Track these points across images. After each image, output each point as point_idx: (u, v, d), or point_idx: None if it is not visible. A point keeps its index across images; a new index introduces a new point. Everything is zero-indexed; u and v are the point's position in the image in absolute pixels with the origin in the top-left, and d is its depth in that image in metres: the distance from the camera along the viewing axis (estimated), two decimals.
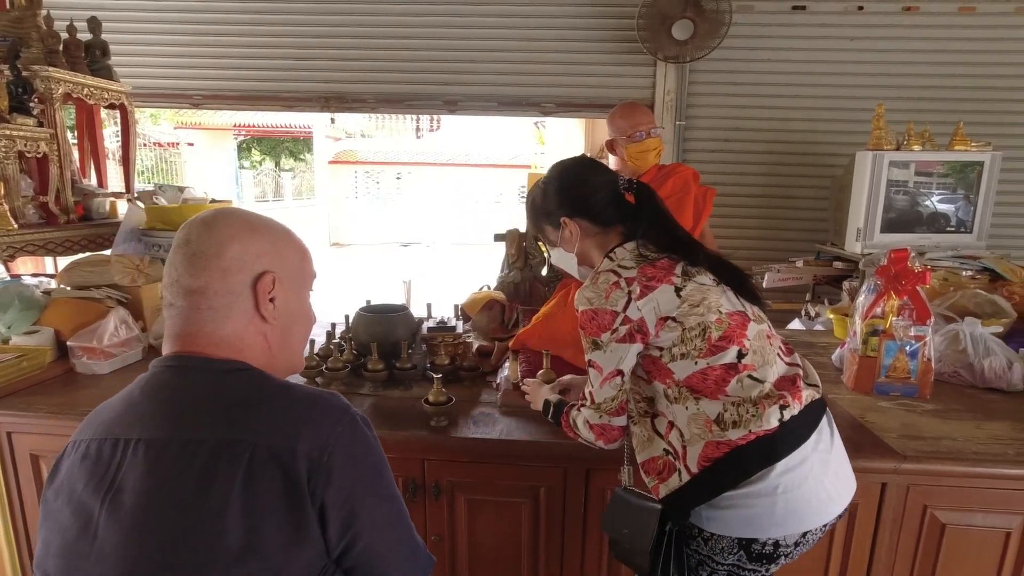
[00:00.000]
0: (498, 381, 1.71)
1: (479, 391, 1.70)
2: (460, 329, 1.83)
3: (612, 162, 2.38)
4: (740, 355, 1.05)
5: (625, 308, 1.05)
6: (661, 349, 1.07)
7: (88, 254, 2.18)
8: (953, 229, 2.43)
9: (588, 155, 1.26)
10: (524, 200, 2.36)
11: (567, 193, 1.21)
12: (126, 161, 2.43)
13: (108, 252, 2.25)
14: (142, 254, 2.20)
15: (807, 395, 1.08)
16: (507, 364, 1.76)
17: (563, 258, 1.27)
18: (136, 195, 2.46)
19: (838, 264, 2.53)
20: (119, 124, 2.48)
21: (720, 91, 2.92)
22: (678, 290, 1.05)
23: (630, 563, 1.17)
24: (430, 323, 1.87)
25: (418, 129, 15.58)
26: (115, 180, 2.66)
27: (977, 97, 2.80)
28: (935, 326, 1.76)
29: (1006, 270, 2.19)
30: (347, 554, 0.72)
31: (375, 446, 0.77)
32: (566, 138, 4.68)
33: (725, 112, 2.94)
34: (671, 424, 1.09)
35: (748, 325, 1.08)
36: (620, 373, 1.09)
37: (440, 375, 1.52)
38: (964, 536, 1.40)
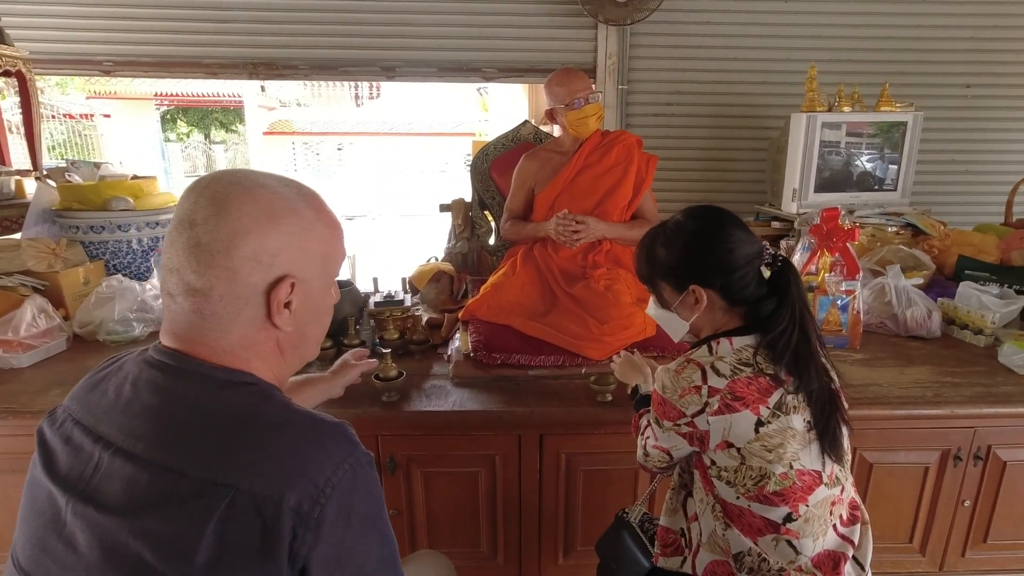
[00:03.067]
0: (449, 353, 1.70)
1: (430, 364, 1.69)
2: (408, 302, 1.80)
3: (556, 131, 2.36)
4: (789, 518, 0.93)
5: (695, 415, 0.94)
6: (714, 463, 0.97)
7: None
8: (880, 188, 2.55)
9: (729, 212, 1.05)
10: (469, 169, 2.32)
11: (709, 259, 1.01)
12: (30, 135, 2.22)
13: (18, 236, 2.07)
14: (57, 236, 2.04)
15: None
16: (458, 335, 1.74)
17: (662, 316, 1.11)
18: (45, 172, 2.26)
19: (776, 224, 2.62)
20: (19, 94, 2.26)
21: (662, 54, 2.91)
22: (759, 424, 0.92)
23: None
24: (377, 297, 1.83)
25: (357, 97, 14.96)
26: (18, 156, 2.43)
27: (902, 59, 2.92)
28: (863, 280, 1.86)
29: (927, 225, 2.33)
30: None
31: (375, 488, 0.66)
32: (510, 104, 4.61)
33: (667, 76, 2.95)
34: (696, 516, 1.04)
35: (816, 490, 0.94)
36: (670, 454, 1.03)
37: (389, 350, 1.49)
38: (889, 473, 1.52)
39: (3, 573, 0.67)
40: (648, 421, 1.09)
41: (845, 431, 0.99)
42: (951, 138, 3.03)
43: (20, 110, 2.28)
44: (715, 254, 1.01)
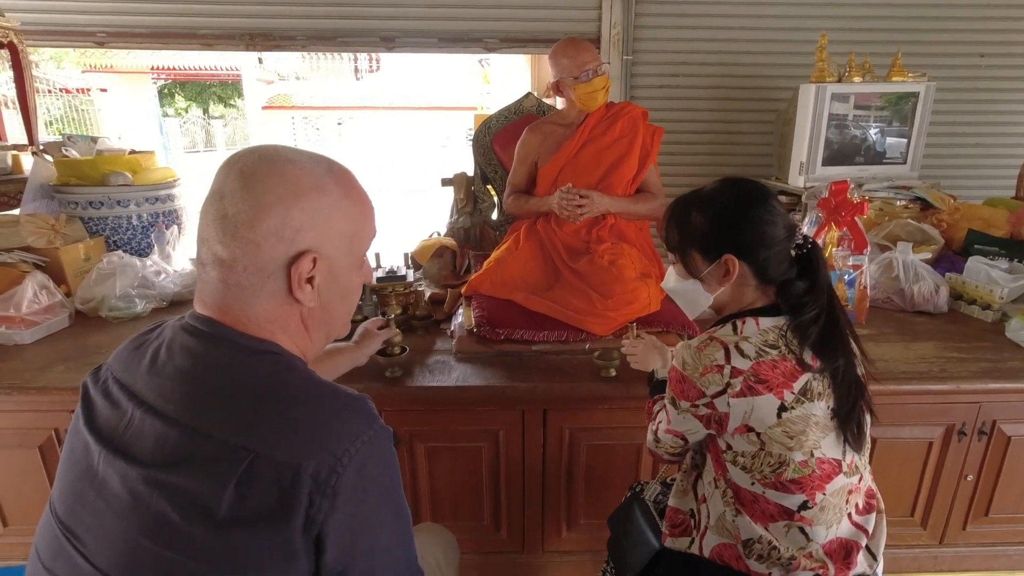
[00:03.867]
0: (452, 328, 1.69)
1: (433, 340, 1.68)
2: (411, 278, 1.78)
3: (559, 103, 2.31)
4: (804, 506, 0.92)
5: (715, 396, 0.91)
6: (730, 447, 0.95)
7: None
8: (889, 160, 2.51)
9: (765, 187, 1.00)
10: (471, 143, 2.28)
11: (747, 229, 0.97)
12: (24, 108, 2.18)
13: (16, 212, 2.05)
14: (56, 212, 2.02)
15: (855, 573, 0.95)
16: (460, 311, 1.73)
17: (683, 289, 1.06)
18: (42, 147, 2.23)
19: (782, 198, 2.59)
20: (12, 70, 2.21)
21: (667, 24, 2.83)
22: (783, 409, 0.89)
23: (618, 566, 1.18)
24: (379, 273, 1.82)
25: (357, 70, 14.73)
26: (14, 131, 2.39)
27: (914, 27, 2.84)
28: (870, 255, 1.84)
29: (936, 199, 2.30)
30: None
31: (392, 462, 0.68)
32: (512, 76, 4.52)
33: (672, 46, 2.87)
34: (705, 499, 1.02)
35: (835, 478, 0.93)
36: (684, 439, 1.01)
37: (392, 316, 1.48)
38: (891, 448, 1.52)
39: (40, 520, 0.69)
40: (661, 406, 1.06)
41: (869, 420, 0.96)
42: (963, 109, 2.96)
43: (14, 85, 2.23)
44: (755, 225, 0.96)
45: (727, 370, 0.90)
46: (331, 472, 0.60)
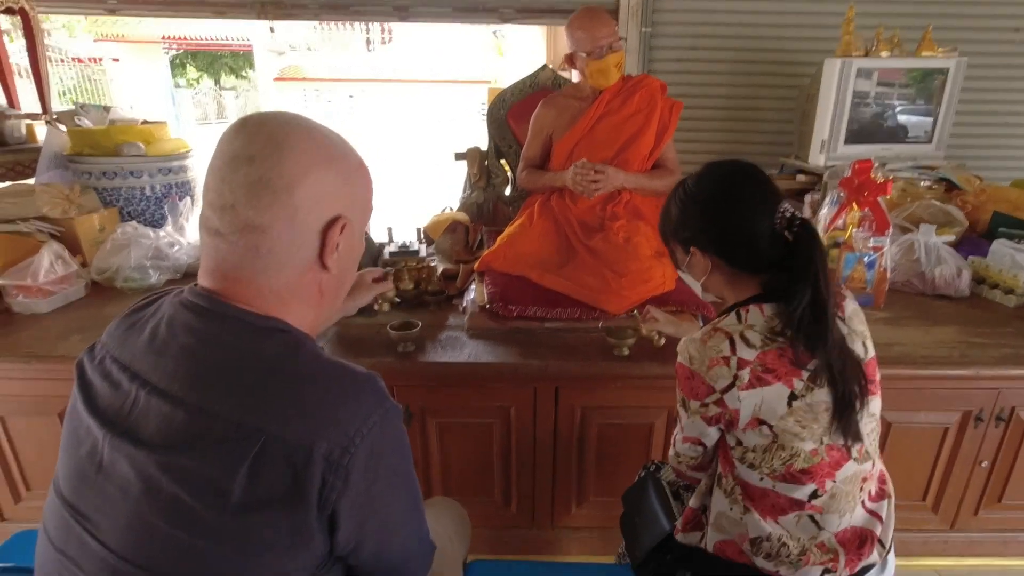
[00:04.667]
0: (464, 304, 1.69)
1: (445, 315, 1.68)
2: (424, 253, 1.77)
3: (574, 76, 2.26)
4: (814, 495, 0.90)
5: (725, 391, 0.89)
6: (739, 443, 0.93)
7: (8, 184, 1.98)
8: (913, 139, 2.44)
9: (751, 167, 0.97)
10: (485, 116, 2.24)
11: (708, 223, 0.96)
12: (37, 76, 2.17)
13: (31, 181, 2.06)
14: (70, 182, 2.02)
15: (865, 563, 0.93)
16: (473, 287, 1.72)
17: (685, 276, 1.09)
18: (55, 116, 2.22)
19: (801, 177, 2.53)
20: (24, 37, 2.19)
21: None
22: (793, 398, 0.87)
23: (628, 543, 1.18)
24: (392, 248, 1.81)
25: (369, 42, 14.53)
26: (28, 100, 2.39)
27: (945, 0, 2.73)
28: (892, 236, 1.79)
29: (962, 179, 2.23)
30: (354, 553, 0.67)
31: (402, 440, 0.67)
32: (527, 49, 4.43)
33: (692, 18, 2.79)
34: (711, 494, 1.01)
35: (844, 465, 0.91)
36: (702, 444, 0.98)
37: (391, 268, 1.42)
38: (906, 433, 1.51)
39: (46, 502, 0.69)
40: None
41: (866, 410, 0.92)
42: (993, 87, 2.86)
43: (28, 54, 2.22)
44: (712, 219, 0.96)
45: (733, 361, 0.88)
46: (344, 452, 0.60)
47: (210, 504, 0.58)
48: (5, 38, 2.28)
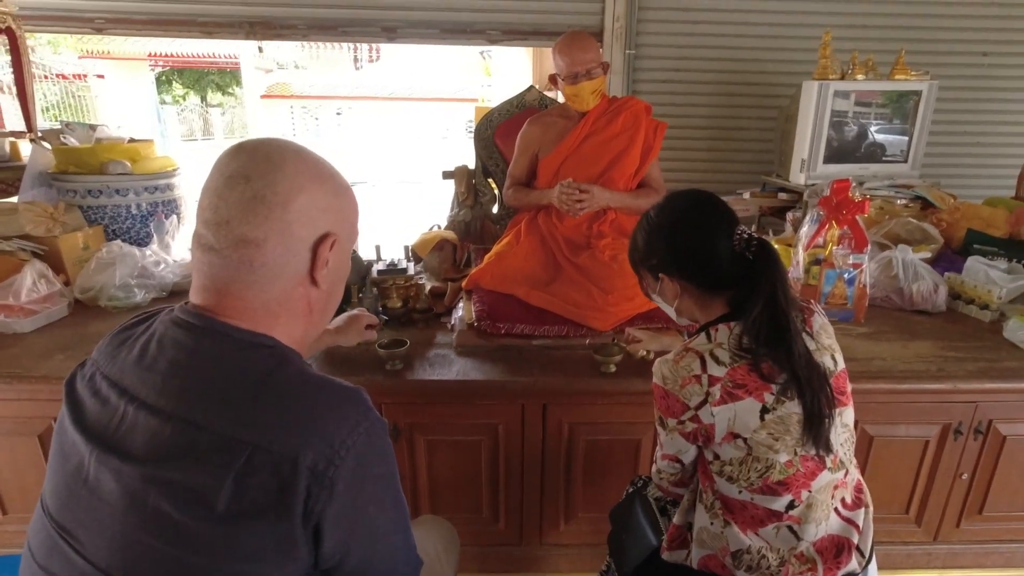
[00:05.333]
0: (452, 322, 1.69)
1: (433, 333, 1.68)
2: (412, 271, 1.78)
3: (559, 96, 2.30)
4: (791, 505, 0.92)
5: (698, 407, 0.92)
6: (717, 457, 0.95)
7: None
8: (889, 159, 2.51)
9: (707, 195, 1.04)
10: (472, 135, 2.27)
11: (673, 250, 1.01)
12: (22, 95, 2.16)
13: (15, 199, 2.04)
14: (54, 200, 2.01)
15: (844, 572, 0.95)
16: (461, 304, 1.73)
17: (659, 299, 1.12)
18: (40, 134, 2.21)
19: (783, 195, 2.59)
20: (10, 55, 2.19)
21: (670, 18, 2.82)
22: (764, 411, 0.90)
23: (616, 560, 1.19)
24: (380, 265, 1.81)
25: (356, 60, 14.63)
26: (12, 117, 2.38)
27: (916, 25, 2.83)
28: (870, 253, 1.84)
29: (936, 198, 2.30)
30: (339, 566, 0.67)
31: (388, 452, 0.68)
32: (514, 69, 4.50)
33: (675, 40, 2.86)
34: (694, 510, 1.02)
35: (819, 475, 0.93)
36: (680, 461, 1.01)
37: (385, 319, 1.48)
38: (888, 446, 1.53)
39: (31, 521, 0.69)
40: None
41: (836, 421, 0.94)
42: (964, 108, 2.96)
43: (12, 70, 2.21)
44: (685, 246, 1.00)
45: (704, 379, 0.91)
46: (329, 464, 0.61)
47: (195, 516, 0.59)
48: None
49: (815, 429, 0.91)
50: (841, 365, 1.00)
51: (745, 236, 0.96)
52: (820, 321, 1.01)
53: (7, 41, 2.11)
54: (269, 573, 0.61)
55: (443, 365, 1.49)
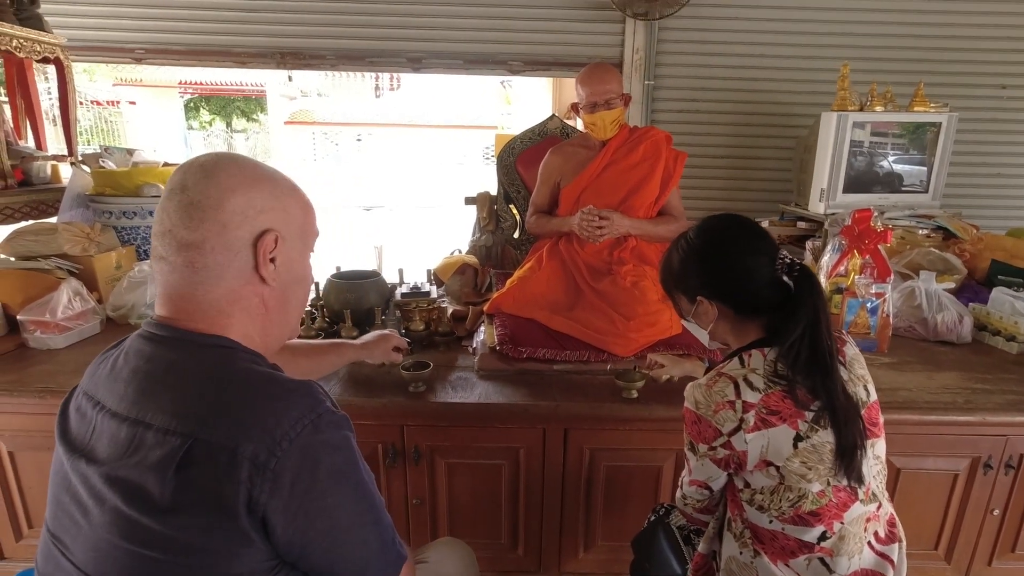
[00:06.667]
0: (474, 346, 1.71)
1: (455, 356, 1.70)
2: (434, 294, 1.81)
3: (579, 124, 2.35)
4: (823, 536, 0.91)
5: (731, 434, 0.91)
6: (748, 485, 0.95)
7: (31, 222, 2.04)
8: (910, 189, 2.51)
9: (746, 219, 1.04)
10: (489, 162, 2.32)
11: (713, 272, 1.01)
12: (66, 121, 2.26)
13: (53, 220, 2.12)
14: (91, 221, 2.08)
15: None
16: (483, 328, 1.75)
17: (690, 325, 1.13)
18: (80, 158, 2.31)
19: (801, 224, 2.59)
20: (49, 81, 2.29)
21: (689, 50, 2.88)
22: (798, 439, 0.90)
23: None
24: (403, 289, 1.84)
25: (377, 88, 15.01)
26: (53, 142, 2.48)
27: (934, 58, 2.86)
28: (893, 283, 1.83)
29: (958, 228, 2.29)
30: (303, 559, 0.67)
31: (343, 445, 0.68)
32: (533, 98, 4.59)
33: (693, 72, 2.92)
34: (719, 539, 1.02)
35: (852, 506, 0.92)
36: (709, 488, 1.00)
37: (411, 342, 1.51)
38: (915, 479, 1.50)
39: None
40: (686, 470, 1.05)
41: (867, 453, 0.93)
42: (984, 139, 2.96)
43: (50, 96, 2.32)
44: (722, 268, 1.01)
45: (738, 405, 0.90)
46: (269, 455, 0.62)
47: (143, 510, 0.61)
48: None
49: (847, 459, 0.90)
50: (873, 396, 0.99)
51: (788, 261, 0.97)
52: (852, 351, 1.01)
53: (56, 71, 2.21)
54: (225, 565, 0.63)
55: (465, 388, 1.50)
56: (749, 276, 0.98)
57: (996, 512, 1.52)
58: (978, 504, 1.52)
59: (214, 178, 0.71)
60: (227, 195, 0.71)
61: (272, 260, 0.74)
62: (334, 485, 0.67)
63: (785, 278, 0.96)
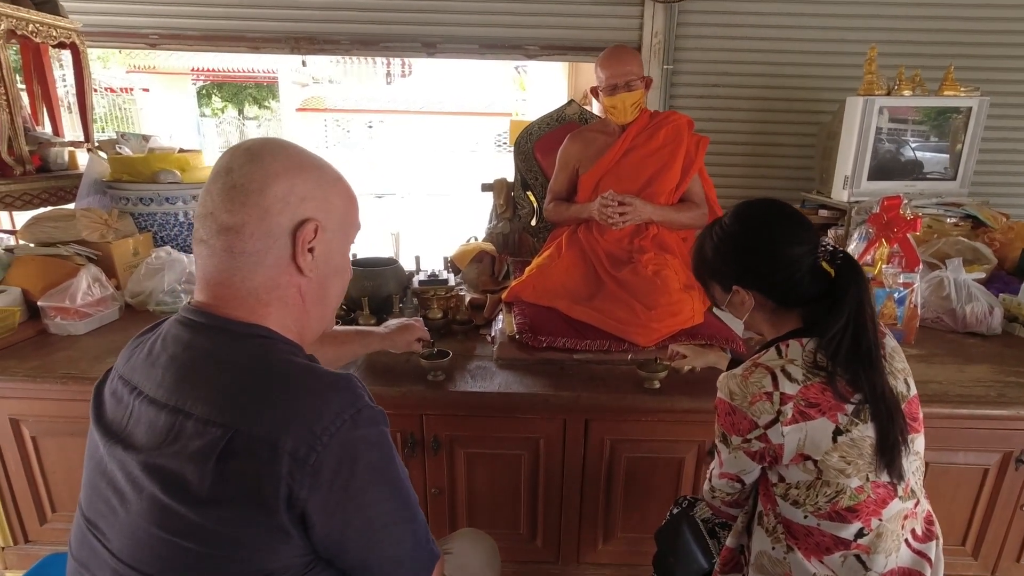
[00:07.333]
0: (493, 334, 1.69)
1: (474, 345, 1.68)
2: (452, 282, 1.79)
3: (594, 108, 2.31)
4: (860, 533, 0.89)
5: (768, 426, 0.87)
6: (782, 480, 0.92)
7: (50, 208, 2.04)
8: (937, 176, 2.44)
9: (785, 204, 1.00)
10: (502, 148, 2.29)
11: (750, 260, 0.97)
12: (82, 107, 2.25)
13: (71, 206, 2.12)
14: (109, 207, 2.08)
15: None
16: (501, 317, 1.73)
17: (723, 314, 1.09)
18: (97, 144, 2.30)
19: (824, 212, 2.54)
20: (65, 68, 2.29)
21: (709, 33, 2.81)
22: (838, 433, 0.87)
23: None
24: (421, 276, 1.83)
25: (389, 75, 14.93)
26: (69, 128, 2.48)
27: (963, 40, 2.77)
28: (920, 273, 1.79)
29: (988, 217, 2.23)
30: (339, 556, 0.66)
31: (381, 441, 0.67)
32: (548, 83, 4.53)
33: (714, 56, 2.85)
34: (751, 535, 0.99)
35: (890, 503, 0.89)
36: (741, 481, 0.97)
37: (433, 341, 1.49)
38: (944, 474, 1.47)
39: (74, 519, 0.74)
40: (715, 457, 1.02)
41: (910, 448, 0.91)
42: (1015, 125, 2.88)
43: (65, 83, 2.31)
44: (759, 255, 0.96)
45: (776, 397, 0.87)
46: (310, 449, 0.60)
47: (181, 500, 0.60)
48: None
49: (889, 455, 0.87)
50: (913, 390, 0.96)
51: (830, 249, 0.93)
52: (892, 344, 0.98)
53: (72, 57, 2.21)
54: (262, 559, 0.62)
55: (484, 377, 1.48)
56: (790, 266, 0.93)
57: None
58: (1008, 500, 1.48)
59: (259, 162, 0.70)
60: (271, 180, 0.69)
61: (311, 250, 0.72)
62: (371, 482, 0.66)
63: (826, 266, 0.92)
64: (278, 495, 0.60)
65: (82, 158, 2.28)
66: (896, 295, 1.71)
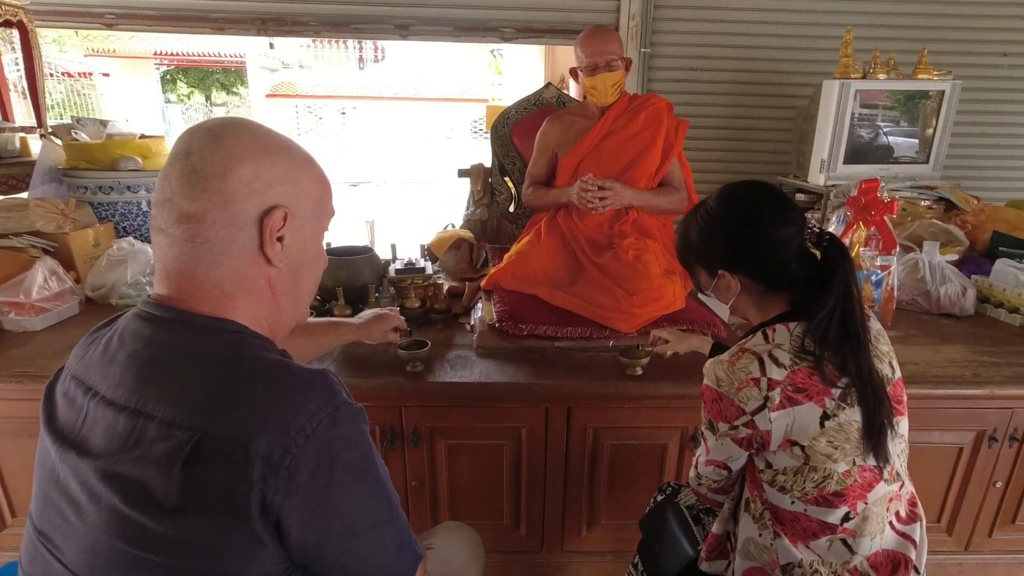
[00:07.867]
0: (472, 323, 1.66)
1: (453, 334, 1.64)
2: (429, 270, 1.75)
3: (573, 90, 2.27)
4: (846, 518, 0.88)
5: (755, 413, 0.86)
6: (769, 466, 0.91)
7: (1, 198, 1.93)
8: (908, 159, 2.47)
9: (771, 186, 0.98)
10: (478, 135, 2.24)
11: (736, 243, 0.95)
12: (33, 90, 2.13)
13: (25, 195, 2.01)
14: (65, 197, 1.98)
15: None
16: (480, 305, 1.70)
17: (708, 299, 1.06)
18: (50, 129, 2.18)
19: (800, 196, 2.55)
20: (17, 51, 2.16)
21: (687, 16, 2.79)
22: (825, 417, 0.86)
23: (649, 571, 1.15)
24: (397, 265, 1.78)
25: (361, 60, 14.62)
26: (20, 114, 2.35)
27: (935, 25, 2.79)
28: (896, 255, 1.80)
29: (960, 199, 2.26)
30: (318, 561, 0.62)
31: (361, 440, 0.63)
32: (525, 67, 4.46)
33: (691, 39, 2.83)
34: (738, 521, 0.98)
35: (876, 486, 0.89)
36: (727, 468, 0.96)
37: (411, 330, 1.45)
38: (921, 453, 1.48)
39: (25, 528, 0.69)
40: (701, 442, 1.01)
41: (895, 431, 0.91)
42: (984, 109, 2.92)
43: (19, 64, 2.19)
44: (745, 238, 0.94)
45: (763, 382, 0.86)
46: (284, 452, 0.56)
47: (144, 510, 0.56)
48: None
49: (875, 438, 0.87)
50: (898, 373, 0.96)
51: (816, 231, 0.92)
52: (876, 327, 0.97)
53: (19, 36, 2.08)
54: (236, 569, 0.58)
55: (464, 367, 1.45)
56: (778, 249, 0.92)
57: (999, 484, 1.52)
58: (981, 477, 1.51)
59: (221, 144, 0.64)
60: (234, 164, 0.63)
61: (280, 239, 0.67)
62: (351, 484, 0.61)
63: (812, 249, 0.91)
64: (251, 501, 0.55)
65: (35, 145, 2.16)
66: (873, 278, 1.72)
